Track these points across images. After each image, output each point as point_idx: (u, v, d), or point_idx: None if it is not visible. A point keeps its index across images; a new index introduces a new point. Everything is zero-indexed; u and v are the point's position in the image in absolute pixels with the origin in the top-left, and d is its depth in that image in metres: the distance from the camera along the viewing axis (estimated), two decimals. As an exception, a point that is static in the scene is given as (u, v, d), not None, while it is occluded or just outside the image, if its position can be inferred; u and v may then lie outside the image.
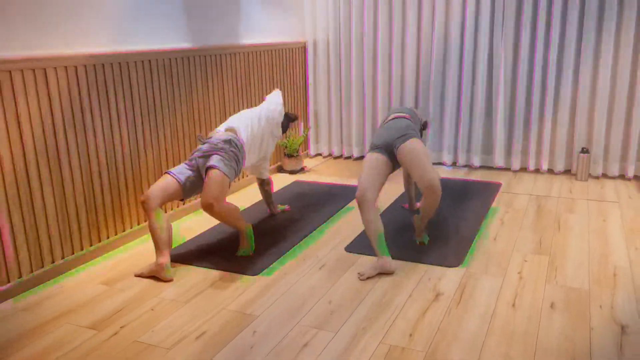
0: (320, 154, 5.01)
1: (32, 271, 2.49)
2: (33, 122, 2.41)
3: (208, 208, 2.53)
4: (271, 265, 2.66)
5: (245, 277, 2.54)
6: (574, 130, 4.10)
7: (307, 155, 4.97)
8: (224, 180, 2.61)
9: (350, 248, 2.84)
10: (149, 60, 3.03)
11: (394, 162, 2.77)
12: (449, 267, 2.59)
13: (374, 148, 2.77)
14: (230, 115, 3.78)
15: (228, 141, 2.77)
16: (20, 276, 2.43)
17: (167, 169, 3.25)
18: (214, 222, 3.30)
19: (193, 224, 3.27)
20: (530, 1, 3.96)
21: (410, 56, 4.40)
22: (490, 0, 4.06)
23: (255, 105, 4.07)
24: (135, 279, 2.55)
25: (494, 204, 3.50)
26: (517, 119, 4.19)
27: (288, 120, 3.32)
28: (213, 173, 2.60)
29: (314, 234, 3.07)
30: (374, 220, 2.55)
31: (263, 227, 3.15)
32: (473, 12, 4.13)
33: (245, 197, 3.80)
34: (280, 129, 3.20)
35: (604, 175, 4.10)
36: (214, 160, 2.66)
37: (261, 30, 4.09)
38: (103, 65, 2.73)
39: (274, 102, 3.17)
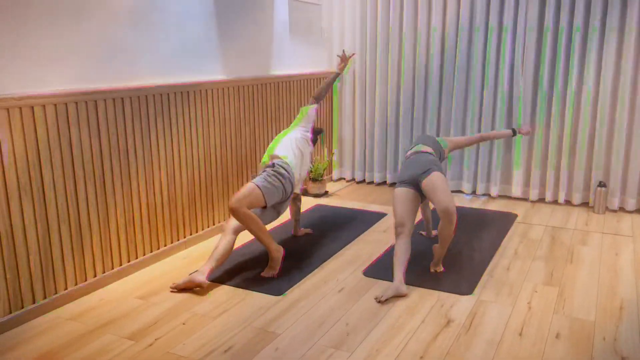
0: (343, 179, 5.21)
1: (76, 283, 2.73)
2: (84, 148, 2.67)
3: (230, 210, 2.81)
4: (294, 287, 2.85)
5: (270, 297, 2.73)
6: (591, 163, 4.21)
7: (331, 180, 5.17)
8: (253, 189, 2.90)
9: (368, 273, 3.01)
10: (187, 92, 3.29)
11: (421, 194, 3.03)
12: (462, 294, 2.74)
13: (403, 183, 3.03)
14: (264, 142, 4.01)
15: (271, 165, 3.08)
16: (66, 288, 2.68)
17: (199, 192, 3.49)
18: (240, 242, 3.51)
19: (222, 244, 3.49)
20: (549, 38, 4.12)
21: (433, 88, 4.59)
22: (511, 36, 4.24)
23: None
24: (168, 294, 2.77)
25: (509, 235, 3.63)
26: (535, 150, 4.32)
27: (315, 135, 3.57)
28: (246, 184, 2.94)
29: (335, 258, 3.25)
30: (406, 250, 2.83)
31: (287, 249, 3.34)
32: (495, 47, 4.30)
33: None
34: (311, 145, 3.47)
35: (622, 209, 4.19)
36: (253, 179, 3.01)
37: (291, 61, 4.34)
38: (146, 96, 3.00)
39: (309, 120, 3.42)
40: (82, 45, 2.64)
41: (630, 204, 4.11)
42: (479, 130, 4.50)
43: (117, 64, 2.84)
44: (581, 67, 4.10)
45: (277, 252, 2.99)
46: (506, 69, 4.29)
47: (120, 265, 2.97)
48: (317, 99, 3.50)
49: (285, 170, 3.08)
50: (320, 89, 3.51)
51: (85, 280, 2.77)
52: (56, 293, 2.63)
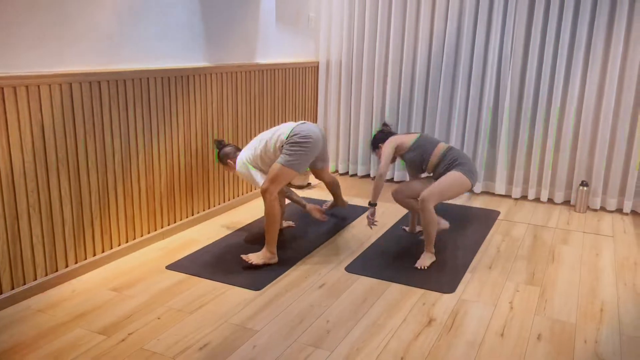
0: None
1: (47, 274, 2.62)
2: (57, 132, 2.56)
3: (262, 192, 2.93)
4: (274, 281, 2.79)
5: (249, 292, 2.66)
6: (574, 162, 4.21)
7: (314, 171, 5.10)
8: (280, 169, 2.91)
9: (350, 268, 2.96)
10: (168, 77, 3.18)
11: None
12: (444, 293, 2.70)
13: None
14: (247, 131, 3.92)
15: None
16: (35, 278, 2.57)
17: (179, 181, 3.39)
18: (221, 234, 3.43)
19: (199, 236, 3.41)
20: (538, 35, 4.09)
21: (419, 81, 4.53)
22: (500, 29, 4.20)
23: (267, 121, 4.20)
24: (144, 287, 2.68)
25: (492, 232, 3.61)
26: (519, 148, 4.30)
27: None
28: (272, 166, 2.97)
29: (316, 252, 3.19)
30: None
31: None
32: (482, 41, 4.26)
33: (248, 212, 3.94)
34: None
35: (602, 209, 4.20)
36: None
37: (276, 50, 4.24)
38: (125, 80, 2.88)
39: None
40: (61, 28, 2.51)
41: (611, 203, 4.13)
42: (464, 125, 4.47)
43: (96, 47, 2.72)
44: (568, 66, 4.08)
45: (271, 254, 2.94)
46: (494, 66, 4.26)
47: (94, 255, 2.87)
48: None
49: (297, 134, 2.96)
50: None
51: (57, 271, 2.67)
52: (25, 283, 2.53)
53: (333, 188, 3.67)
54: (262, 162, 3.10)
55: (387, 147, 3.16)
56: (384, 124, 3.41)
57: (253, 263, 2.87)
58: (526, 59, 4.19)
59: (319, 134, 3.05)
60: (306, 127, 3.01)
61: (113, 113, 2.85)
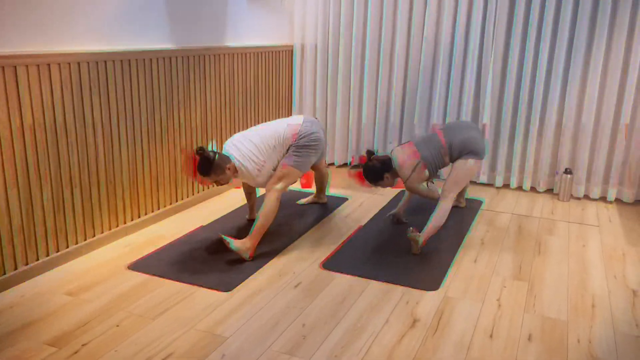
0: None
1: (-7, 278, 2.37)
2: (1, 119, 2.29)
3: (267, 189, 2.83)
4: (245, 281, 2.58)
5: (218, 294, 2.45)
6: (558, 150, 4.09)
7: (289, 160, 4.88)
8: (289, 170, 2.87)
9: (327, 265, 2.77)
10: (129, 60, 2.92)
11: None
12: (427, 290, 2.54)
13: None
14: (216, 118, 3.67)
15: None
16: (-21, 283, 2.32)
17: (143, 172, 3.14)
18: (188, 229, 3.20)
19: (166, 232, 3.17)
20: (521, 22, 3.92)
21: (399, 65, 4.34)
22: (481, 16, 4.02)
23: (239, 108, 3.97)
24: (102, 290, 2.45)
25: (475, 223, 3.46)
26: (501, 136, 4.16)
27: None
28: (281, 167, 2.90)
29: (291, 248, 2.99)
30: None
31: (238, 237, 3.05)
32: (464, 25, 4.08)
33: (225, 203, 3.71)
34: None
35: (586, 197, 4.09)
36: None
37: (248, 32, 3.99)
38: (79, 63, 2.61)
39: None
40: (2, 4, 2.23)
41: (595, 191, 4.02)
42: (445, 111, 4.30)
43: (40, 26, 2.44)
44: (551, 52, 3.93)
45: (248, 249, 2.76)
46: (476, 49, 4.08)
47: (48, 255, 2.61)
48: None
49: (305, 136, 2.93)
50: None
51: (4, 274, 2.42)
52: (-33, 289, 2.27)
53: (322, 181, 3.58)
54: (270, 162, 2.91)
55: (416, 180, 3.02)
56: (369, 152, 3.07)
57: (227, 247, 2.73)
58: (508, 43, 4.03)
59: (322, 133, 3.05)
60: (311, 126, 2.98)
61: (66, 100, 2.58)
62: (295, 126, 2.95)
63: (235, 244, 2.71)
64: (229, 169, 2.78)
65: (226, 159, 2.79)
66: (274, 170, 2.91)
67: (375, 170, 3.03)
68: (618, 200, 4.02)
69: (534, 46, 3.94)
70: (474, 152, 3.01)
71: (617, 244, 3.18)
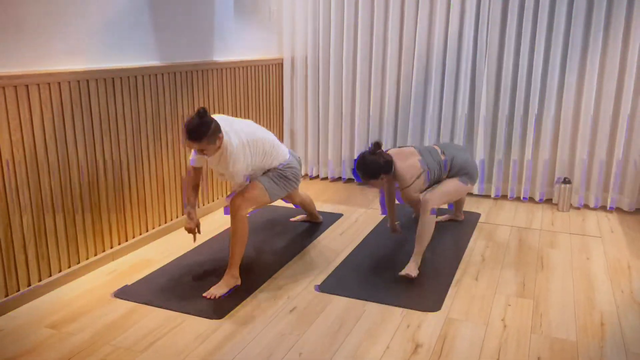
0: (295, 174, 4.82)
1: (-31, 312, 2.24)
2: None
3: (232, 206, 2.60)
4: (237, 307, 2.45)
5: (209, 322, 2.33)
6: (555, 159, 4.01)
7: (282, 175, 4.77)
8: (262, 192, 2.68)
9: (323, 287, 2.65)
10: (112, 79, 2.81)
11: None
12: (428, 311, 2.42)
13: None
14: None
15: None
16: (-46, 318, 2.18)
17: (129, 193, 3.02)
18: (178, 252, 3.07)
19: (154, 255, 3.05)
20: (514, 31, 3.86)
21: (391, 77, 4.26)
22: (473, 26, 3.95)
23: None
24: (87, 322, 2.31)
25: (474, 237, 3.36)
26: (497, 146, 4.07)
27: None
28: (253, 182, 2.71)
29: (285, 269, 2.87)
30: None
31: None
32: (456, 34, 4.01)
33: (209, 225, 3.59)
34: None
35: (586, 206, 4.01)
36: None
37: (236, 46, 3.89)
38: (59, 83, 2.50)
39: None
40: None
41: (594, 201, 3.94)
42: (439, 122, 4.22)
43: (20, 45, 2.33)
44: (546, 61, 3.86)
45: (234, 279, 2.60)
46: (469, 58, 4.01)
47: (29, 285, 2.48)
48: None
49: (292, 168, 2.82)
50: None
51: (-18, 307, 2.28)
52: (-59, 326, 2.13)
53: (308, 204, 3.40)
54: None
55: (415, 189, 2.88)
56: (377, 144, 2.83)
57: (218, 297, 2.52)
58: (502, 52, 3.96)
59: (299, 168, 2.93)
60: (296, 162, 2.88)
61: (46, 120, 2.46)
62: (285, 154, 2.82)
63: (220, 292, 2.53)
64: (219, 138, 2.45)
65: (219, 127, 2.45)
66: (248, 175, 2.66)
67: (375, 166, 2.79)
68: (618, 209, 3.94)
69: (527, 56, 3.88)
70: (471, 176, 3.02)
71: (621, 255, 3.09)
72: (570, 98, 3.84)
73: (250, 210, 2.64)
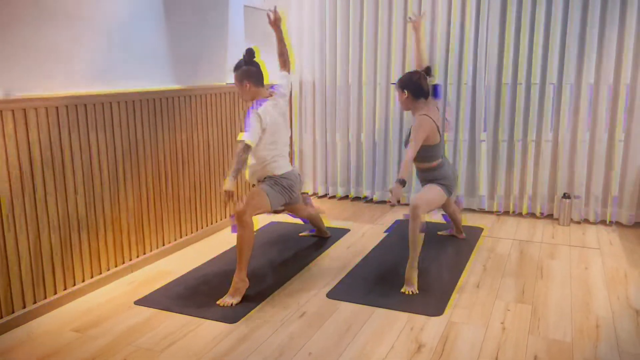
0: (304, 193, 4.99)
1: (1, 316, 2.40)
2: (10, 163, 2.36)
3: (237, 213, 2.72)
4: (250, 313, 2.60)
5: (224, 325, 2.47)
6: (555, 175, 4.15)
7: (291, 194, 4.94)
8: (263, 195, 2.85)
9: (332, 295, 2.79)
10: (133, 101, 3.02)
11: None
12: (432, 315, 2.55)
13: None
14: (219, 156, 3.75)
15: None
16: (-12, 322, 2.35)
17: (147, 209, 3.20)
18: (193, 264, 3.23)
19: (170, 268, 3.21)
20: (511, 50, 4.05)
21: (395, 98, 4.45)
22: (473, 41, 4.15)
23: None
24: (109, 326, 2.47)
25: (477, 250, 3.49)
26: (500, 163, 4.23)
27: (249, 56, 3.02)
28: (254, 189, 2.93)
29: (295, 279, 3.02)
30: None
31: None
32: (456, 58, 4.21)
33: (221, 240, 3.75)
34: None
35: (586, 220, 4.13)
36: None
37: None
38: (85, 105, 2.71)
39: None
40: (12, 49, 2.34)
41: (594, 215, 4.06)
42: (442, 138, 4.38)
43: (52, 70, 2.55)
44: (543, 79, 4.04)
45: (243, 282, 2.75)
46: (469, 80, 4.20)
47: (55, 294, 2.65)
48: (284, 65, 3.21)
49: (286, 179, 2.98)
50: (279, 52, 3.20)
51: (13, 312, 2.44)
52: (-24, 329, 2.30)
53: (316, 219, 3.58)
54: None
55: (421, 131, 2.91)
56: (428, 69, 3.06)
57: (234, 304, 2.67)
58: (500, 71, 4.15)
59: (298, 185, 3.10)
60: (294, 175, 3.05)
61: (74, 140, 2.66)
62: (287, 167, 3.02)
63: (232, 299, 2.68)
64: (245, 84, 2.85)
65: (255, 76, 2.86)
66: (259, 156, 2.89)
67: (410, 80, 3.00)
68: (618, 223, 4.05)
69: (525, 70, 4.06)
70: (449, 188, 3.13)
71: (619, 265, 3.20)
72: (567, 117, 4.00)
73: (254, 215, 2.78)
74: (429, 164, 3.12)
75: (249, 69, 2.87)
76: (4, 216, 2.36)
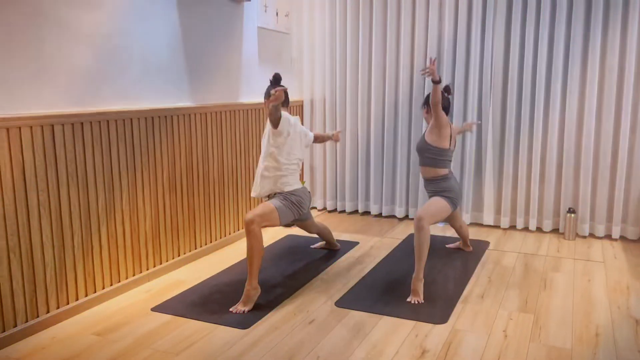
0: (314, 208, 5.12)
1: (27, 320, 2.54)
2: (38, 174, 2.53)
3: (246, 222, 2.85)
4: (261, 319, 2.71)
5: (236, 331, 2.59)
6: (560, 190, 4.24)
7: (302, 209, 5.07)
8: (271, 209, 2.99)
9: (340, 303, 2.90)
10: (152, 117, 3.19)
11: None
12: (436, 323, 2.65)
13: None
14: (232, 170, 3.91)
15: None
16: (15, 325, 2.48)
17: (164, 221, 3.35)
18: (207, 274, 3.36)
19: (186, 277, 3.34)
20: (516, 65, 4.18)
21: (403, 117, 4.59)
22: (479, 61, 4.29)
23: (253, 160, 4.21)
24: (128, 330, 2.60)
25: (482, 262, 3.58)
26: (505, 178, 4.33)
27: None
28: (263, 202, 3.08)
29: (305, 288, 3.13)
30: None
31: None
32: (462, 74, 4.35)
33: (234, 252, 3.88)
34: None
35: (591, 235, 4.20)
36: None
37: (260, 89, 4.29)
38: (107, 121, 2.88)
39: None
40: (41, 69, 2.53)
41: (600, 230, 4.13)
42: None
43: (77, 88, 2.73)
44: (547, 96, 4.16)
45: (255, 290, 2.86)
46: (475, 98, 4.33)
47: (77, 299, 2.79)
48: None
49: (296, 195, 3.13)
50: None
51: (37, 317, 2.59)
52: (4, 331, 2.44)
53: (325, 233, 3.71)
54: (277, 145, 3.08)
55: (442, 114, 3.14)
56: (447, 88, 3.28)
57: (246, 311, 2.79)
58: (506, 89, 4.27)
59: (307, 202, 3.25)
60: (304, 193, 3.21)
61: (96, 154, 2.83)
62: (297, 184, 3.18)
63: (244, 306, 2.81)
64: (268, 98, 3.02)
65: (283, 102, 3.02)
66: (277, 161, 3.06)
67: (428, 97, 3.21)
68: (623, 238, 4.12)
69: (530, 88, 4.18)
70: (453, 200, 3.25)
71: (621, 278, 3.28)
72: (571, 133, 4.10)
73: (262, 225, 2.90)
74: (439, 171, 3.27)
75: (268, 90, 3.15)
76: (33, 227, 2.52)
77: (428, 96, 3.26)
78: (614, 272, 3.38)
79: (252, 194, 3.22)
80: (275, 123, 2.99)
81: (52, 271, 2.63)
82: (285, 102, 3.19)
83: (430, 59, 3.04)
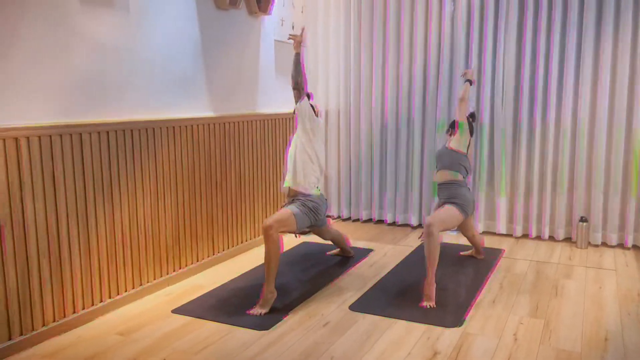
0: (329, 216, 5.21)
1: (54, 320, 2.66)
2: (67, 183, 2.67)
3: (265, 228, 2.95)
4: (278, 322, 2.80)
5: (254, 332, 2.68)
6: (573, 199, 4.27)
7: (317, 217, 5.16)
8: (289, 215, 3.10)
9: (354, 307, 2.98)
10: (173, 127, 3.32)
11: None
12: (448, 327, 2.71)
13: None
14: (250, 178, 4.02)
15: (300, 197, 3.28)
16: (44, 324, 2.61)
17: (184, 227, 3.47)
18: (225, 279, 3.46)
19: (205, 281, 3.45)
20: (528, 75, 4.25)
21: (417, 126, 4.67)
22: (490, 73, 4.37)
23: (270, 169, 4.32)
24: (150, 330, 2.70)
25: (495, 269, 3.63)
26: (518, 187, 4.38)
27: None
28: (281, 208, 3.24)
29: (320, 293, 3.22)
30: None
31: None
32: (474, 88, 4.42)
33: (252, 258, 3.98)
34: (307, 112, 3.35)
35: (604, 244, 4.22)
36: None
37: (277, 100, 4.41)
38: (132, 130, 3.02)
39: (305, 115, 3.33)
40: (66, 80, 2.67)
41: (612, 238, 4.15)
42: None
43: (101, 98, 2.87)
44: (559, 104, 4.22)
45: (271, 294, 2.96)
46: (487, 108, 4.40)
47: (102, 301, 2.91)
48: (298, 88, 3.40)
49: (312, 201, 3.24)
50: (292, 77, 3.41)
51: (64, 317, 2.71)
52: (33, 330, 2.56)
53: (339, 240, 3.80)
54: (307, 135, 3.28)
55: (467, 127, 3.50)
56: (472, 114, 3.64)
57: (263, 314, 2.89)
58: (518, 99, 4.34)
59: (323, 207, 3.37)
60: (320, 199, 3.34)
61: (121, 164, 2.97)
62: (313, 189, 3.29)
63: (261, 309, 2.90)
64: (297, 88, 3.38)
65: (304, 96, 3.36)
66: (314, 148, 3.27)
67: (458, 124, 3.49)
68: (635, 247, 4.14)
69: (542, 97, 4.24)
70: (464, 208, 3.37)
71: (633, 285, 3.31)
72: (583, 142, 4.15)
73: (280, 231, 3.00)
74: (454, 175, 3.40)
75: (303, 93, 3.40)
76: (61, 234, 2.65)
77: (453, 122, 3.57)
78: (626, 279, 3.41)
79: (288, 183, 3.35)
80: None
81: (78, 273, 2.76)
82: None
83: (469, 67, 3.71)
